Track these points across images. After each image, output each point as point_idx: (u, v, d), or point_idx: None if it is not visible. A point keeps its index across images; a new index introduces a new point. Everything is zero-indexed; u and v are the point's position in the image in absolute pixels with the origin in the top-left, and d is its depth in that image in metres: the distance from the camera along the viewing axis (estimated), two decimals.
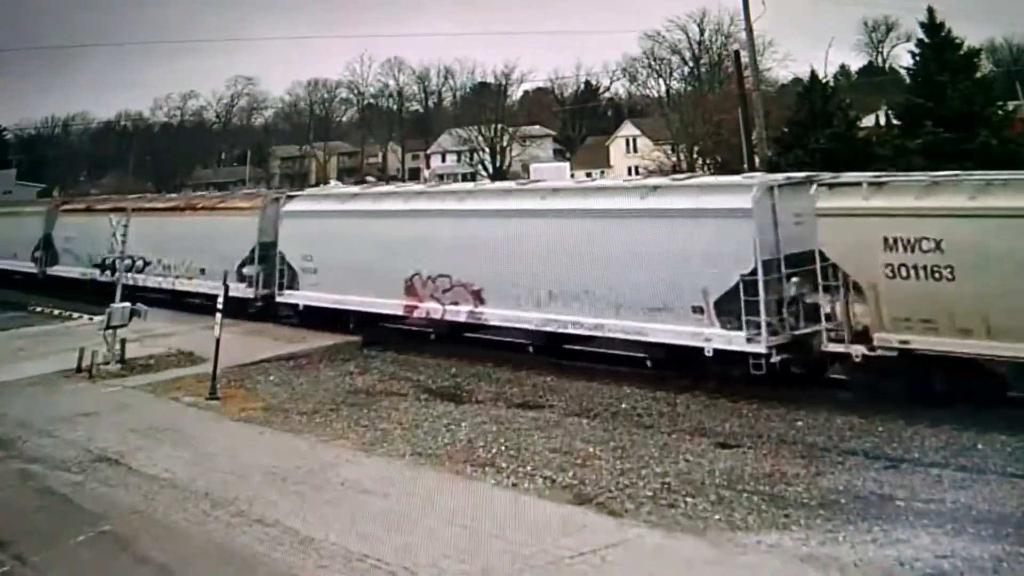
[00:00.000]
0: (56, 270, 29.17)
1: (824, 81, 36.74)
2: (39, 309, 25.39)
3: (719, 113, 45.97)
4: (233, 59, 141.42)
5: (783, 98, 47.13)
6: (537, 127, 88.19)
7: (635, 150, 72.76)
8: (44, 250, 29.81)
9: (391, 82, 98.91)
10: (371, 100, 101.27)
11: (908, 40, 54.72)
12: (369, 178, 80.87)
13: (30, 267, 30.30)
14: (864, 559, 7.71)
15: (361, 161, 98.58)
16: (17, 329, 22.29)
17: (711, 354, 13.54)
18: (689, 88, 67.74)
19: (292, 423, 13.10)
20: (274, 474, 10.62)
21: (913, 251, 11.86)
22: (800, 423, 12.03)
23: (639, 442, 11.52)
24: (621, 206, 15.07)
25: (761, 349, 13.04)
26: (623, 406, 13.37)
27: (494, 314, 16.53)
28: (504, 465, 10.73)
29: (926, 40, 30.35)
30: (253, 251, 21.59)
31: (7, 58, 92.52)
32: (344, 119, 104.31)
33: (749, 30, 30.73)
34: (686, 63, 70.95)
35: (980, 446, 10.69)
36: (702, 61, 68.77)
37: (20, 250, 30.85)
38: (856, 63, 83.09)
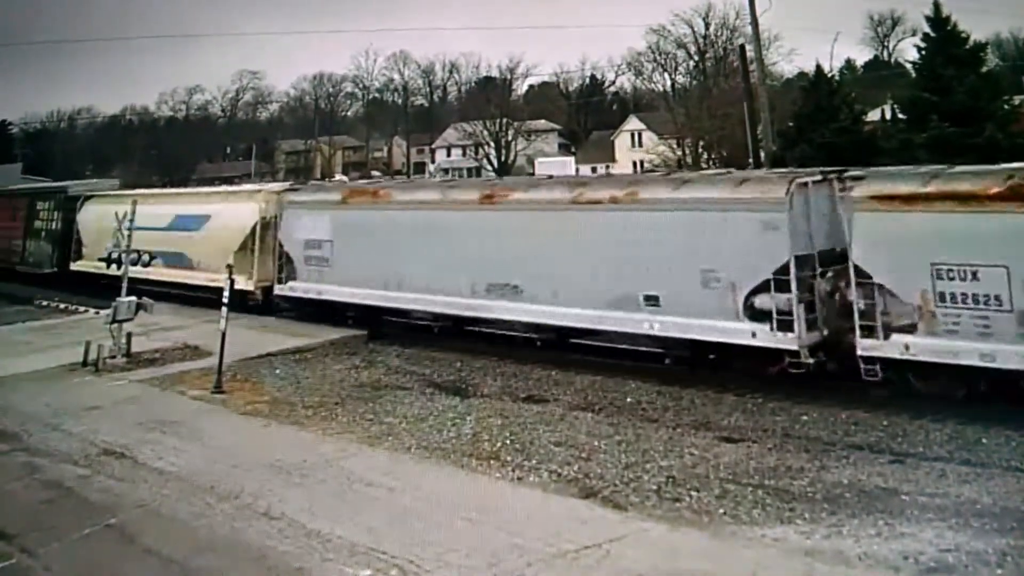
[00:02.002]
0: None
1: (829, 75, 36.64)
2: (45, 303, 25.43)
3: (724, 107, 45.93)
4: (238, 54, 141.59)
5: (788, 92, 47.04)
6: (542, 121, 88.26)
7: (640, 144, 72.78)
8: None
9: (396, 76, 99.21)
10: (376, 94, 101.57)
11: (914, 34, 54.60)
12: (374, 173, 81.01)
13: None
14: (869, 553, 7.72)
15: (366, 155, 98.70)
16: (23, 323, 22.31)
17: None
18: (694, 82, 67.61)
19: (298, 416, 13.13)
20: (279, 467, 10.65)
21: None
22: (805, 417, 12.04)
23: (644, 436, 11.54)
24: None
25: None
26: (628, 400, 13.39)
27: None
28: (509, 459, 10.76)
29: (932, 34, 30.24)
30: None
31: (12, 53, 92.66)
32: (349, 113, 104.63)
33: (755, 24, 30.70)
34: (691, 57, 70.84)
35: (984, 441, 10.69)
36: (707, 55, 68.61)
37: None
38: (862, 57, 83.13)
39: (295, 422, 12.86)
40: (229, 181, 69.22)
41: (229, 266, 16.79)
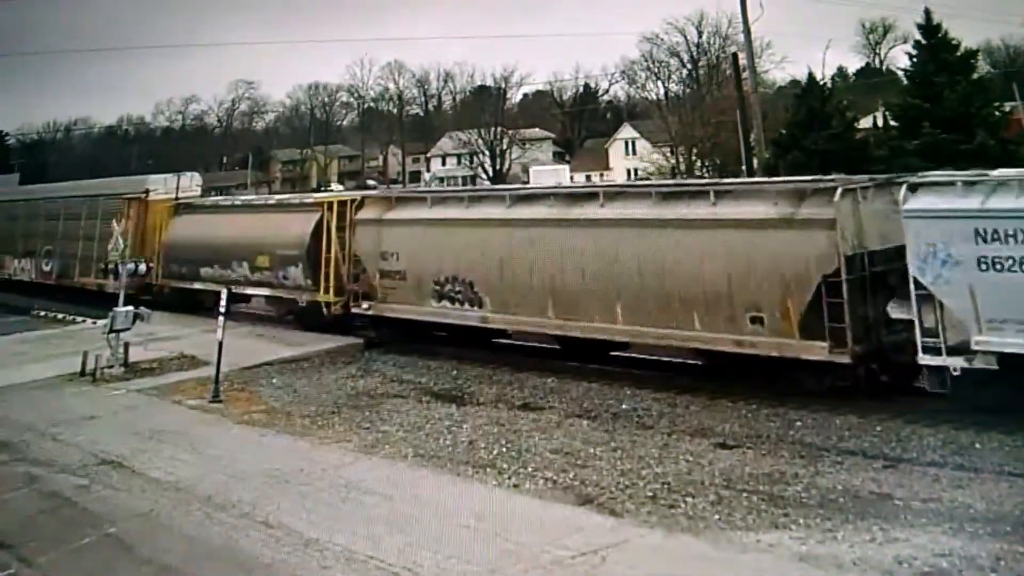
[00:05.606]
0: None
1: (822, 83, 36.76)
2: (42, 313, 25.40)
3: (717, 115, 46.09)
4: (234, 64, 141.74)
5: (781, 100, 47.19)
6: (537, 130, 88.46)
7: (634, 152, 73.03)
8: None
9: (391, 86, 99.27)
10: (371, 104, 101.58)
11: (905, 41, 54.88)
12: (370, 181, 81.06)
13: None
14: (863, 558, 7.77)
15: (362, 165, 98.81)
16: (20, 333, 22.29)
17: None
18: (688, 91, 67.78)
19: (295, 426, 13.17)
20: (277, 476, 10.69)
21: None
22: (799, 423, 12.10)
23: (639, 443, 11.60)
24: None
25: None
26: (623, 407, 13.44)
27: None
28: (505, 466, 10.81)
29: (923, 41, 30.39)
30: None
31: (8, 63, 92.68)
32: (345, 123, 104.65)
33: (747, 32, 30.81)
34: (684, 66, 70.96)
35: (978, 445, 10.76)
36: (700, 63, 68.79)
37: None
38: (853, 65, 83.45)
39: (292, 431, 12.90)
40: (225, 191, 69.27)
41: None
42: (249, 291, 22.01)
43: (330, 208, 20.00)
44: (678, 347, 14.73)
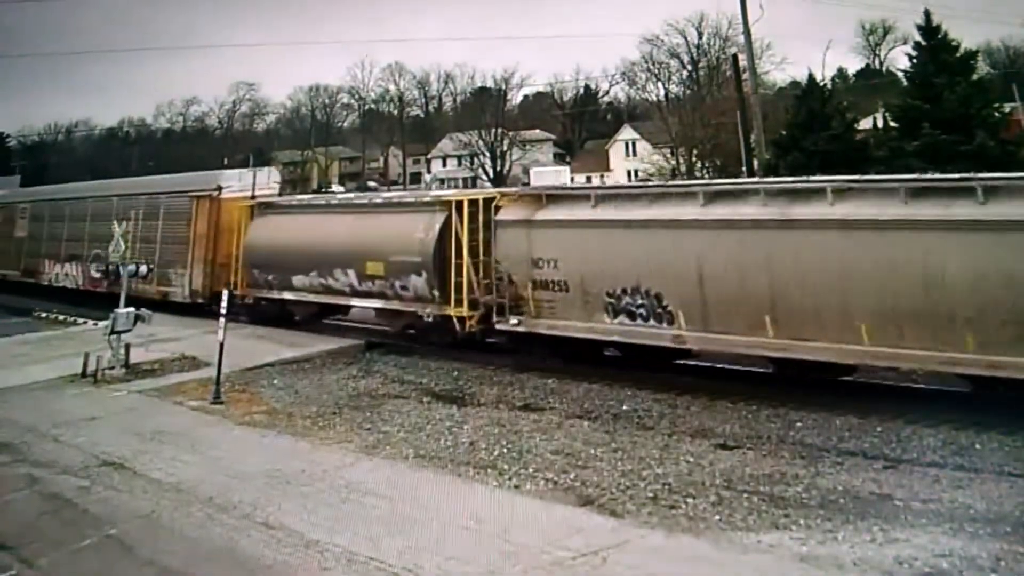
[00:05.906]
0: None
1: (822, 84, 36.79)
2: (43, 315, 25.41)
3: (718, 116, 46.17)
4: (234, 64, 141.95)
5: (781, 101, 47.24)
6: (537, 131, 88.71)
7: (635, 153, 73.25)
8: None
9: (392, 87, 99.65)
10: (372, 105, 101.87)
11: (905, 43, 54.99)
12: (371, 183, 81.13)
13: None
14: (863, 558, 7.77)
15: (362, 166, 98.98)
16: (22, 335, 22.29)
17: None
18: (688, 92, 67.89)
19: (296, 427, 13.18)
20: (278, 477, 10.68)
21: None
22: (799, 424, 12.12)
23: (640, 444, 11.61)
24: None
25: None
26: (624, 408, 13.46)
27: None
28: (506, 467, 10.82)
29: (923, 42, 30.41)
30: None
31: (10, 65, 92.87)
32: (345, 124, 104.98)
33: (747, 33, 30.88)
34: (684, 67, 71.13)
35: (978, 446, 10.78)
36: (700, 65, 68.91)
37: None
38: (853, 66, 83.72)
39: (293, 432, 12.90)
40: None
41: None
42: (355, 302, 19.85)
43: (458, 208, 17.30)
44: (942, 372, 12.48)
